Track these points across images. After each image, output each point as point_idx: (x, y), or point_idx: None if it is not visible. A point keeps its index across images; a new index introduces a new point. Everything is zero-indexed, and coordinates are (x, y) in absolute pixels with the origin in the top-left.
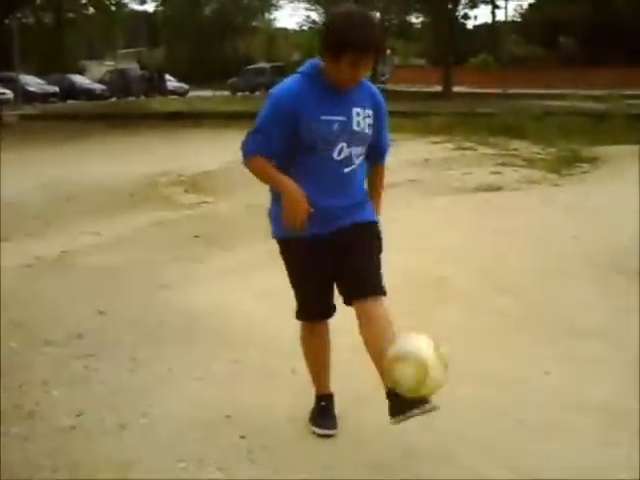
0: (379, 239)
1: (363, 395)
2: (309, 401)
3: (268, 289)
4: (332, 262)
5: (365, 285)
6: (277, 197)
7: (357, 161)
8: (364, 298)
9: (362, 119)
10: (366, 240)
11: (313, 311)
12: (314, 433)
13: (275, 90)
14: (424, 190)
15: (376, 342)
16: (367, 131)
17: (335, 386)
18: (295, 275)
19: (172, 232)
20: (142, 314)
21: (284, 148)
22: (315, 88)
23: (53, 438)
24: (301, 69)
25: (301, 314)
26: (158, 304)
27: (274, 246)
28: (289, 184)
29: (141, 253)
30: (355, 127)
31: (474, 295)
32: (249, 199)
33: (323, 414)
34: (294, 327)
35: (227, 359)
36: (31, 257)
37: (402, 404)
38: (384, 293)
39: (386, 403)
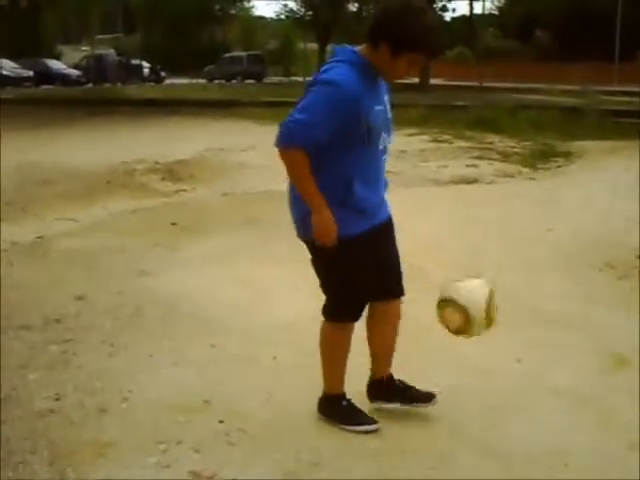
0: None
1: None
2: (288, 386)
3: (245, 277)
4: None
5: (401, 285)
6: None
7: (388, 149)
8: (399, 298)
9: (389, 106)
10: (394, 236)
11: (362, 310)
12: (360, 432)
13: (336, 78)
14: (400, 181)
15: (393, 337)
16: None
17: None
18: (357, 273)
19: (149, 219)
20: (120, 300)
21: (328, 140)
22: (364, 78)
23: (31, 421)
24: (344, 57)
25: (348, 315)
26: (136, 290)
27: (250, 234)
28: (323, 206)
29: (118, 240)
30: (389, 115)
31: None
32: (225, 188)
33: (355, 411)
34: (272, 315)
35: (205, 345)
36: (6, 242)
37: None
38: None
39: None
